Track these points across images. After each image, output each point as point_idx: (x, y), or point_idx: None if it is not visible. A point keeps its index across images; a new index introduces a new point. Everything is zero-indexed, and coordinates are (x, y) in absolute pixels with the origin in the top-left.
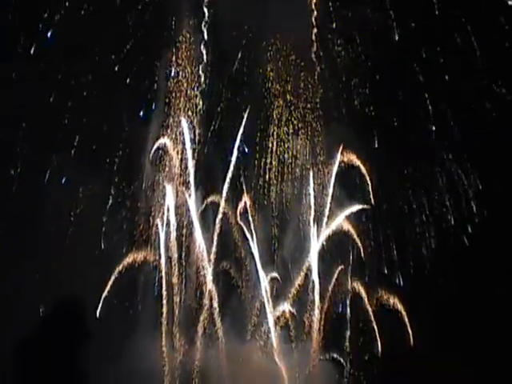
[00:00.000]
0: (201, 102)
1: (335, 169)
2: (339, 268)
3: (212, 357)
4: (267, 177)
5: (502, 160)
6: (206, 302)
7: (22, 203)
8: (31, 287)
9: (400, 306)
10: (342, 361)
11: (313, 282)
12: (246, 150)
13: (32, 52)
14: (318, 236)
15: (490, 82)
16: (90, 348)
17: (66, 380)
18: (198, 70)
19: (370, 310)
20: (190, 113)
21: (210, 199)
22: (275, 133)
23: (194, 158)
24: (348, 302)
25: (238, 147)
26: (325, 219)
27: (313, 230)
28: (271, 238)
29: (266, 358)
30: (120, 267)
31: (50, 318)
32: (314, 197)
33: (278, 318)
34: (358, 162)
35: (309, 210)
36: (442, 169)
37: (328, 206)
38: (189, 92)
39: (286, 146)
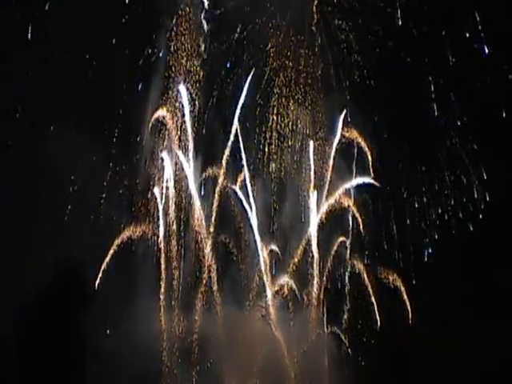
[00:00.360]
0: (201, 73)
1: (336, 140)
2: (339, 240)
3: (211, 328)
4: (266, 150)
5: (506, 140)
6: (205, 274)
7: (21, 175)
8: (30, 257)
9: (399, 283)
10: (340, 335)
11: (312, 254)
12: (247, 124)
13: (30, 27)
14: (317, 208)
15: (494, 62)
16: (89, 318)
17: (64, 351)
18: (199, 39)
19: (369, 285)
20: (189, 83)
21: (209, 170)
22: (275, 108)
23: (193, 129)
24: (347, 276)
25: (239, 118)
26: (325, 192)
27: (313, 202)
28: (270, 209)
29: (264, 331)
30: (119, 239)
31: (48, 287)
32: (314, 171)
33: (277, 291)
34: (358, 137)
35: (309, 183)
36: (443, 147)
37: (328, 178)
38: (189, 62)
39: (287, 120)
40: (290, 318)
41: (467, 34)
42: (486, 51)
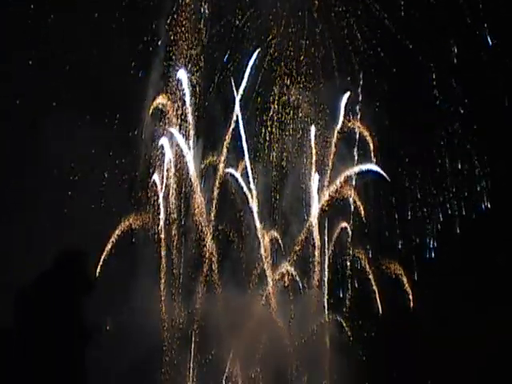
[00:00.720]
0: (202, 58)
1: (338, 126)
2: (340, 226)
3: (212, 317)
4: (267, 137)
5: (509, 129)
6: (206, 263)
7: (21, 164)
8: (31, 244)
9: (401, 272)
10: (342, 323)
11: (313, 242)
12: (248, 111)
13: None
14: (319, 196)
15: (497, 50)
16: (90, 306)
17: (64, 338)
18: (199, 25)
19: (370, 273)
20: (190, 69)
21: (210, 157)
22: (277, 96)
23: (194, 115)
24: (349, 264)
25: (240, 104)
26: (326, 179)
27: (314, 189)
28: (271, 196)
29: (266, 319)
30: (119, 227)
31: (49, 274)
32: (316, 158)
33: (278, 279)
34: (359, 124)
35: (310, 170)
36: (445, 134)
37: (330, 165)
38: (189, 50)
39: (288, 109)
40: (291, 307)
41: (468, 20)
42: (490, 42)
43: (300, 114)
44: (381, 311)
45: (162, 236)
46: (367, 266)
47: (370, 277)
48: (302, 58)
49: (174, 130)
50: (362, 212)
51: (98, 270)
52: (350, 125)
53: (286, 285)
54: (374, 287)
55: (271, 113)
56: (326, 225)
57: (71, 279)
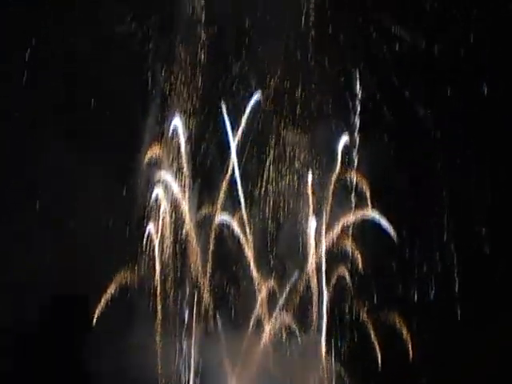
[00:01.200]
0: (197, 104)
1: (335, 176)
2: (339, 272)
3: (209, 369)
4: (264, 187)
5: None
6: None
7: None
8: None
9: (400, 322)
10: (341, 373)
11: (311, 293)
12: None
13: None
14: (316, 243)
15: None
16: (85, 354)
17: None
18: (195, 71)
19: (369, 323)
20: (186, 122)
21: (206, 208)
22: (273, 148)
23: (189, 164)
24: (347, 311)
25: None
26: (324, 226)
27: (311, 239)
28: (268, 246)
29: (263, 372)
30: (114, 282)
31: (45, 323)
32: (313, 209)
33: (276, 331)
34: (357, 173)
35: (307, 218)
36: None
37: (328, 214)
38: (186, 100)
39: (283, 162)
40: (288, 358)
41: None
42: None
43: (296, 165)
44: (380, 363)
45: (158, 289)
46: (366, 316)
47: (369, 326)
48: (299, 107)
49: (170, 178)
50: (360, 261)
51: (95, 319)
52: (346, 175)
53: (284, 338)
54: (374, 338)
55: (267, 163)
56: (324, 273)
57: (66, 329)
